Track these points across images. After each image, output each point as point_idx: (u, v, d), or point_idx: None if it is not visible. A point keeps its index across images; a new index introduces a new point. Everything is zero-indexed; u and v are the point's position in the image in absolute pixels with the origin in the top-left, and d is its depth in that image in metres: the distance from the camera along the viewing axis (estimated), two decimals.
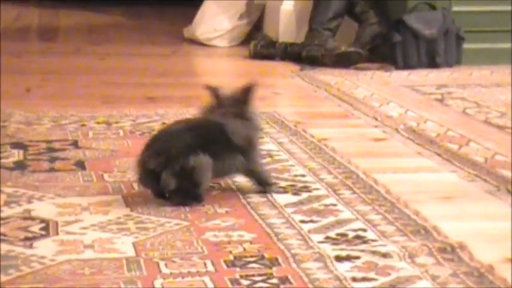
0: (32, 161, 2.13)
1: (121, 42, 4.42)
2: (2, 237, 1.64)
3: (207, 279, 1.48)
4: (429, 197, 1.97)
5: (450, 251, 1.61)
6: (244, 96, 1.88)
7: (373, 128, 2.64)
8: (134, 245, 1.63)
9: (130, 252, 1.59)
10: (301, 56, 3.77)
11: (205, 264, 1.55)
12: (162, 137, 1.87)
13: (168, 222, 1.76)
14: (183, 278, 1.48)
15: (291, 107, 3.11)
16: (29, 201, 1.85)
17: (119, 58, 3.96)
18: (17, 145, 2.25)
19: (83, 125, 2.52)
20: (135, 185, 1.97)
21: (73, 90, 3.15)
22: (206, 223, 1.76)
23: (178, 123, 1.93)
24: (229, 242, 1.65)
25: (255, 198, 1.92)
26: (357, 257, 1.58)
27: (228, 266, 1.55)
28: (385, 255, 1.59)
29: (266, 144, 2.37)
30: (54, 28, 4.94)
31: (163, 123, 2.57)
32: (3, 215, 1.77)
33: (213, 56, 4.10)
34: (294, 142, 2.41)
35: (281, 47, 3.86)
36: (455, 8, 3.80)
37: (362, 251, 1.61)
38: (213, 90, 1.89)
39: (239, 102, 1.88)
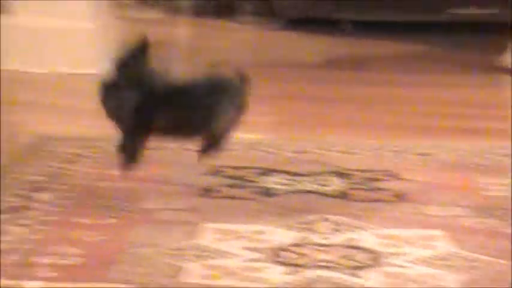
0: (352, 190, 2.16)
1: (428, 72, 4.37)
2: (329, 264, 1.68)
3: None
4: None
5: None
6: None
7: None
8: (461, 283, 1.58)
9: None
10: None
11: None
12: None
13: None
14: None
15: None
16: (352, 230, 1.87)
17: (428, 88, 3.91)
18: (338, 174, 2.30)
19: (401, 156, 2.50)
20: (457, 220, 1.92)
21: (385, 120, 3.17)
22: None
23: None
24: None
25: None
26: None
27: None
28: None
29: None
30: (362, 58, 5.04)
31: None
32: (328, 242, 1.81)
33: None
34: None
35: None
36: None
37: None
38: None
39: None
